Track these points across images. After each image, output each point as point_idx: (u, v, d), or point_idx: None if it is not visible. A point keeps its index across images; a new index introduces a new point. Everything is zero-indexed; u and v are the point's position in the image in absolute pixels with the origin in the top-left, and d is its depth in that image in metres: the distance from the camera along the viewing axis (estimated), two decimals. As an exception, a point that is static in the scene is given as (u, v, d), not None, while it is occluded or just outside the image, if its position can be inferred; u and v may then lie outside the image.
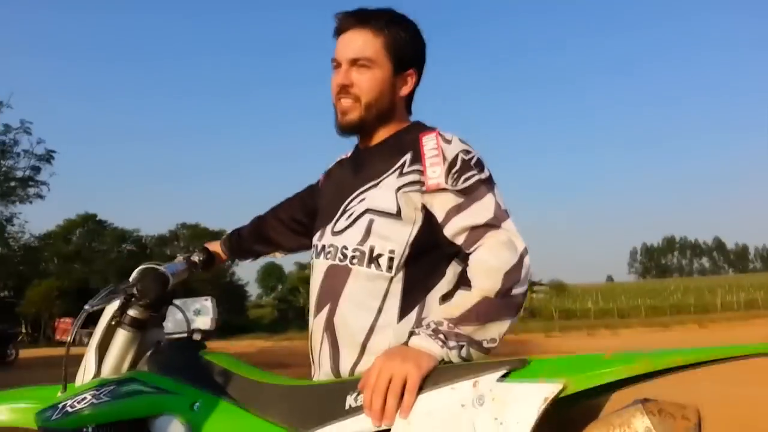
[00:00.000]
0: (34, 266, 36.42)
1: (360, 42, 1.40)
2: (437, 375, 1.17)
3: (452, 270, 1.37)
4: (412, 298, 1.34)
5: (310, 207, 1.67)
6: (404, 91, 1.46)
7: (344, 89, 1.41)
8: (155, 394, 1.34)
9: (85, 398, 1.31)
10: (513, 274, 1.24)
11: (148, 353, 1.50)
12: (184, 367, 1.42)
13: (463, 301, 1.24)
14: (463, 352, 1.22)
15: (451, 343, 1.21)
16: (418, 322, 1.32)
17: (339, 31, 1.45)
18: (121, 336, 1.46)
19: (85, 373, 1.46)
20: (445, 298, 1.33)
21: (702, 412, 1.04)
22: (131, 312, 1.46)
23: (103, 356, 1.47)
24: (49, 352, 23.67)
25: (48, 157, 23.51)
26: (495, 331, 1.24)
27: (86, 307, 1.42)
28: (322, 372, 1.39)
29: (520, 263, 1.26)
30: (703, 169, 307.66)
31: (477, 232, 1.29)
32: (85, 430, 1.31)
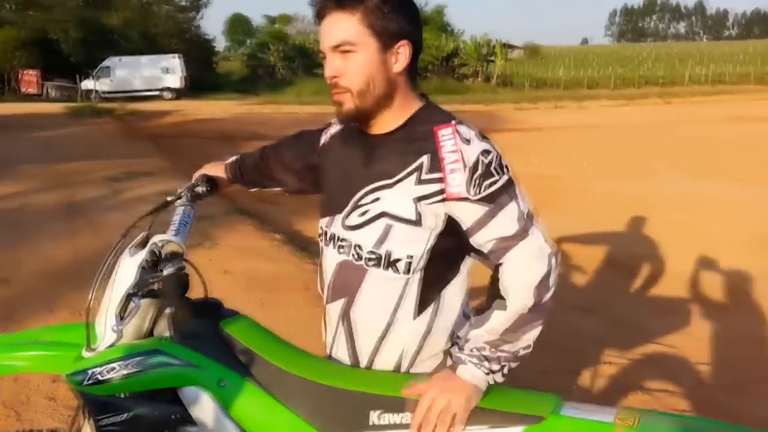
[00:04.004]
0: (-14, 13, 34.31)
1: (337, 26, 1.32)
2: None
3: (466, 266, 1.43)
4: (428, 295, 1.40)
5: (309, 161, 1.64)
6: (399, 66, 1.35)
7: (334, 81, 1.36)
8: (182, 366, 1.40)
9: (114, 368, 1.37)
10: (544, 285, 1.30)
11: (168, 315, 1.49)
12: (206, 339, 1.45)
13: (500, 322, 1.31)
14: (505, 370, 1.34)
15: (495, 367, 1.31)
16: (433, 318, 1.41)
17: (318, 17, 1.37)
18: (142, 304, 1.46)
19: (106, 336, 1.46)
20: (479, 312, 1.37)
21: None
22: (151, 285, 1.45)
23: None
24: (19, 108, 23.48)
25: None
26: (530, 338, 1.33)
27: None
28: (339, 350, 1.50)
29: (549, 272, 1.31)
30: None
31: (505, 242, 1.31)
32: (118, 395, 1.39)
